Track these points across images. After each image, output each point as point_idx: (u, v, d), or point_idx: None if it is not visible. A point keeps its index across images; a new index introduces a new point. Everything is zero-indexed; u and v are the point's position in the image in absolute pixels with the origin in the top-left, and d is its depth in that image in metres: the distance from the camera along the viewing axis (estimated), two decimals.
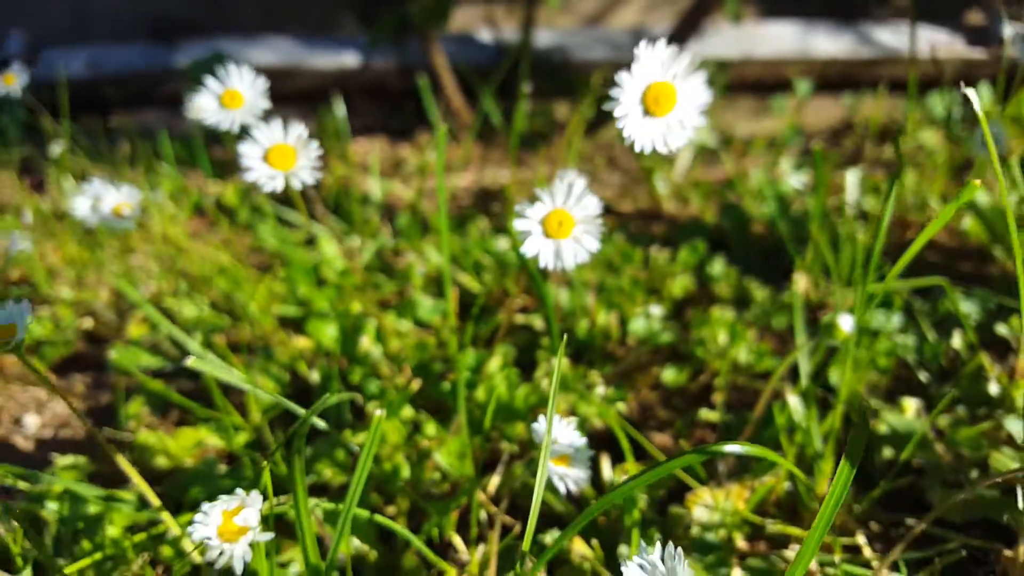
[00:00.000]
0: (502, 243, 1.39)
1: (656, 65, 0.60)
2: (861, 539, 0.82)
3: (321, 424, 0.90)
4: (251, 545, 0.60)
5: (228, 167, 1.90)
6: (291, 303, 1.28)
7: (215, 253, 1.35)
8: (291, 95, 2.17)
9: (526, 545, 0.61)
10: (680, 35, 1.86)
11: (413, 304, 1.23)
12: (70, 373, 1.29)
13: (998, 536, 0.85)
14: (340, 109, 1.78)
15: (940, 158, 1.52)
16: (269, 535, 0.60)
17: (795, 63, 2.04)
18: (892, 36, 2.08)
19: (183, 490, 0.94)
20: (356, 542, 0.84)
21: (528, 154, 1.91)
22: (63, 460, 1.02)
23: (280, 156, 0.85)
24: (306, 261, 1.33)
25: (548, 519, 0.89)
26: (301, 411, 0.80)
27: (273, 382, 1.11)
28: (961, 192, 0.62)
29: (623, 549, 0.79)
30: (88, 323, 1.37)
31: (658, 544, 0.53)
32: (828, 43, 2.06)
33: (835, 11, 2.15)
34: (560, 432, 0.73)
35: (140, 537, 0.83)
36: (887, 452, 0.96)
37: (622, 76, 0.59)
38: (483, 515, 0.89)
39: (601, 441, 1.01)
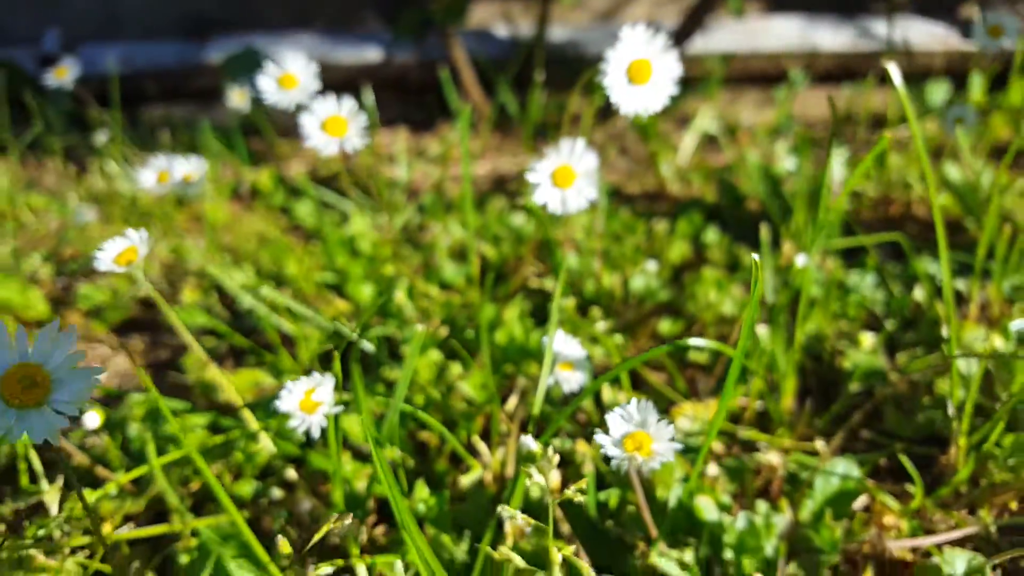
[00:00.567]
0: (518, 219, 1.62)
1: (637, 44, 0.83)
2: (819, 444, 1.05)
3: (369, 346, 1.13)
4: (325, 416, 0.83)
5: (261, 156, 2.15)
6: (329, 271, 1.52)
7: (259, 226, 1.59)
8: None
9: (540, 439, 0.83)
10: (686, 30, 2.09)
11: (439, 269, 1.47)
12: (129, 334, 1.53)
13: (940, 447, 1.07)
14: (369, 99, 2.02)
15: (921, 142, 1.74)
16: (340, 408, 0.84)
17: (798, 56, 2.27)
18: (889, 30, 2.31)
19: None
20: (397, 451, 1.07)
21: (543, 143, 2.15)
22: (136, 397, 1.25)
23: (334, 125, 1.08)
24: (341, 236, 1.57)
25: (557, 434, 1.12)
26: (352, 334, 1.03)
27: (318, 332, 1.34)
28: (877, 143, 0.84)
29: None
30: (142, 291, 1.61)
31: (633, 400, 0.75)
32: (829, 37, 2.28)
33: (836, 6, 2.37)
34: (565, 346, 0.96)
35: (218, 439, 1.06)
36: (852, 386, 1.18)
37: (609, 52, 0.82)
38: (503, 429, 1.12)
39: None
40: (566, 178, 0.92)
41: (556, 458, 0.71)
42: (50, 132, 2.15)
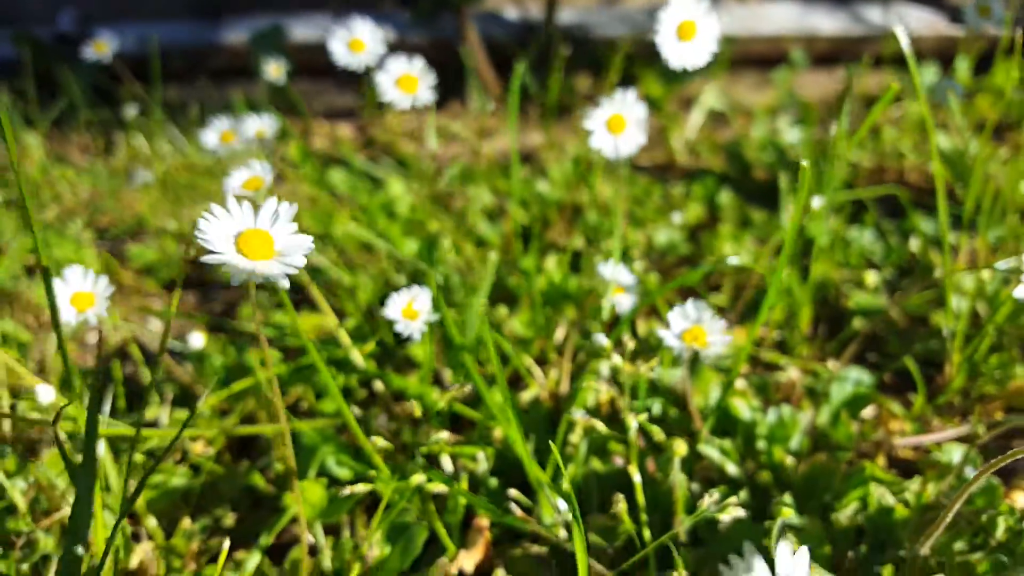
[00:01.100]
0: (542, 185, 1.82)
1: (684, 7, 1.04)
2: (831, 364, 1.26)
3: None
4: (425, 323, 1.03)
5: (285, 131, 2.33)
6: (371, 233, 1.71)
7: (304, 191, 1.78)
8: (328, 68, 2.61)
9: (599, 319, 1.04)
10: None
11: (475, 228, 1.67)
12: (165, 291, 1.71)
13: (936, 369, 1.29)
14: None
15: (912, 119, 1.98)
16: (437, 316, 1.03)
17: (795, 39, 2.50)
18: (881, 15, 2.55)
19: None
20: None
21: (553, 121, 2.36)
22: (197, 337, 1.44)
23: (407, 82, 1.28)
24: (380, 200, 1.76)
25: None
26: (401, 281, 1.23)
27: (371, 281, 1.54)
28: (885, 94, 1.06)
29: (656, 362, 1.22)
30: (191, 251, 1.79)
31: (689, 300, 0.96)
32: (825, 22, 2.52)
33: None
34: (617, 273, 1.17)
35: (280, 369, 1.25)
36: (856, 323, 1.40)
37: (661, 14, 1.03)
38: (552, 357, 1.32)
39: (639, 316, 1.44)
40: (619, 125, 1.13)
41: (632, 342, 0.92)
42: (75, 107, 2.32)
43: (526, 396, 1.23)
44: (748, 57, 2.54)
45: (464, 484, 1.05)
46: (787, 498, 0.95)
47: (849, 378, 1.16)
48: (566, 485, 1.00)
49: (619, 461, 1.07)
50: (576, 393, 1.16)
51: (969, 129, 1.92)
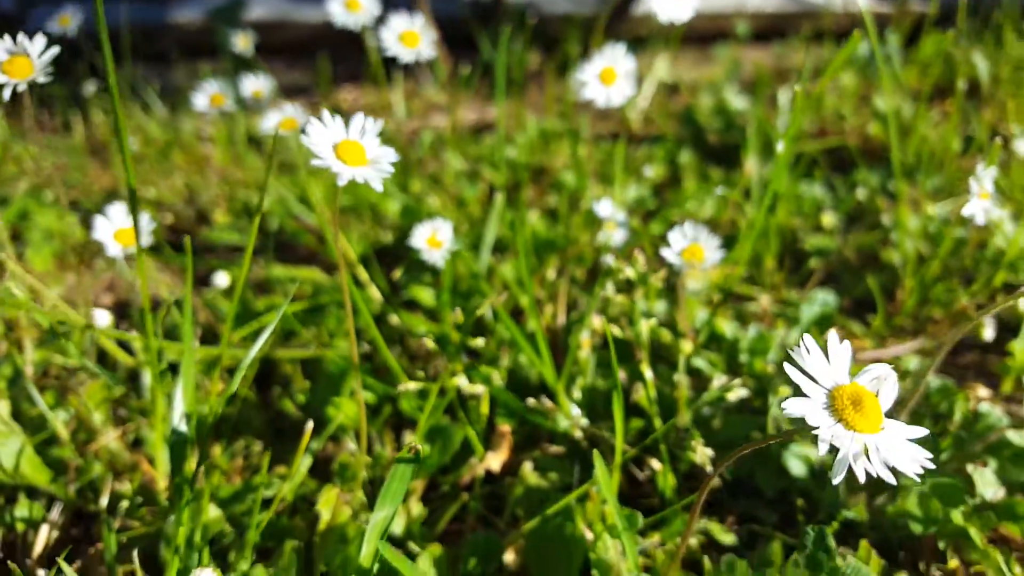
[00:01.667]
0: (510, 151, 1.99)
1: None
2: (795, 293, 1.46)
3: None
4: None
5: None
6: (348, 197, 1.85)
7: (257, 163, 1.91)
8: (281, 47, 2.73)
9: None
10: None
11: (453, 189, 1.82)
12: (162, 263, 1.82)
13: (888, 298, 1.50)
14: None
15: (851, 88, 2.21)
16: (458, 246, 1.19)
17: (734, 16, 2.72)
18: None
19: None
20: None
21: (511, 95, 2.53)
22: (216, 287, 1.56)
23: (410, 38, 1.43)
24: None
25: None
26: (388, 238, 1.38)
27: (358, 238, 1.68)
28: (848, 44, 1.25)
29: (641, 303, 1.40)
30: (169, 218, 1.90)
31: (687, 221, 1.14)
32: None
33: None
34: (609, 211, 1.34)
35: (297, 306, 1.39)
36: (814, 262, 1.60)
37: None
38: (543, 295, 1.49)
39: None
40: (610, 77, 1.30)
41: (630, 269, 1.09)
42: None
43: (533, 330, 1.39)
44: (691, 34, 2.75)
45: (486, 397, 1.20)
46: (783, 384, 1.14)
47: (817, 299, 1.36)
48: (577, 394, 1.18)
49: (622, 376, 1.24)
50: (573, 324, 1.33)
51: (902, 95, 2.16)
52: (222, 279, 1.39)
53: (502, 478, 1.15)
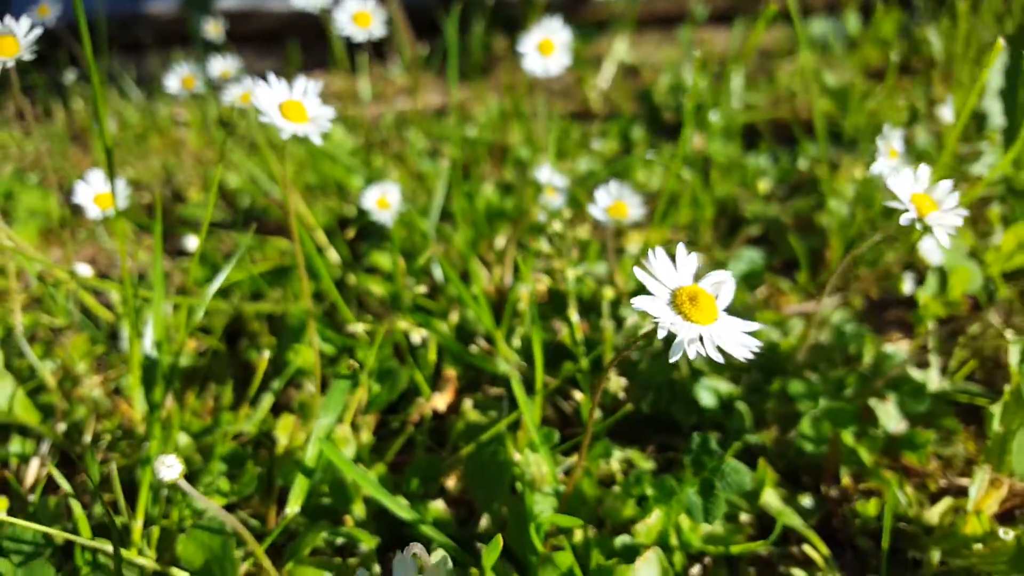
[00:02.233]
0: (470, 131, 2.16)
1: None
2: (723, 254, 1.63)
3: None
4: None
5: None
6: (314, 176, 2.02)
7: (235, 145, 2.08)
8: (250, 35, 2.90)
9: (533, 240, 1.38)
10: None
11: (414, 165, 1.99)
12: (139, 235, 1.99)
13: (819, 260, 1.67)
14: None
15: (808, 65, 2.38)
16: (407, 206, 1.35)
17: None
18: None
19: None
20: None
21: (476, 78, 2.70)
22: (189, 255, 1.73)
23: (362, 18, 1.59)
24: (321, 146, 2.07)
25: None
26: (352, 211, 1.54)
27: (323, 212, 1.84)
28: (763, 14, 1.42)
29: (576, 260, 1.57)
30: (147, 198, 2.07)
31: (612, 181, 1.31)
32: None
33: None
34: (552, 177, 1.51)
35: (261, 267, 1.55)
36: (753, 229, 1.77)
37: None
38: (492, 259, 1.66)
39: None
40: (548, 48, 1.47)
41: (568, 216, 1.25)
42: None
43: (474, 289, 1.56)
44: (653, 17, 2.92)
45: (433, 344, 1.37)
46: None
47: (744, 256, 1.53)
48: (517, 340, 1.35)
49: (557, 326, 1.41)
50: (518, 280, 1.50)
51: (854, 71, 2.33)
52: (192, 242, 1.56)
53: (447, 416, 1.32)
